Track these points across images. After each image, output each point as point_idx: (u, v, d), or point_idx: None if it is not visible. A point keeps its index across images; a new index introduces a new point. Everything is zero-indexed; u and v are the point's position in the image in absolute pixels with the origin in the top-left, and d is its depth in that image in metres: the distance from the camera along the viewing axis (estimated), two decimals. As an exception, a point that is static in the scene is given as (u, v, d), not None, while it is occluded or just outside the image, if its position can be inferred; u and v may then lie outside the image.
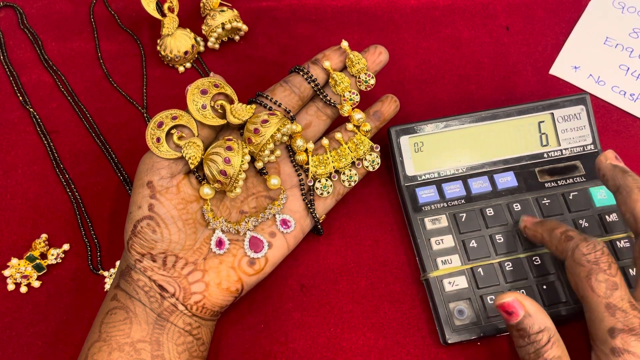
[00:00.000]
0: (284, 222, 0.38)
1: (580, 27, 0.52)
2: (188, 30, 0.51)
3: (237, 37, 0.52)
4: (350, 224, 0.44)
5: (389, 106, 0.42)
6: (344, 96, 0.41)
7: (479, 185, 0.42)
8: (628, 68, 0.50)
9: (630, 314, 0.31)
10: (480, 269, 0.39)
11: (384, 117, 0.42)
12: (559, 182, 0.42)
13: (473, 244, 0.40)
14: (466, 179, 0.42)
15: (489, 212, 0.41)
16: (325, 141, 0.40)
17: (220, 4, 0.51)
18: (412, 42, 0.52)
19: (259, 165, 0.39)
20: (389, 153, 0.44)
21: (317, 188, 0.40)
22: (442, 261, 0.40)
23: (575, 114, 0.44)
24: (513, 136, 0.43)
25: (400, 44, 0.52)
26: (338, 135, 0.41)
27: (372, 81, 0.42)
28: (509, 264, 0.39)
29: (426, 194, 0.42)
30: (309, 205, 0.40)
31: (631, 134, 0.47)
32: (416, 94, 0.49)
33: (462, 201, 0.42)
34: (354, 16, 0.53)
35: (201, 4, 0.51)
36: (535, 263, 0.40)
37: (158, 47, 0.50)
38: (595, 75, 0.50)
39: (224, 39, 0.52)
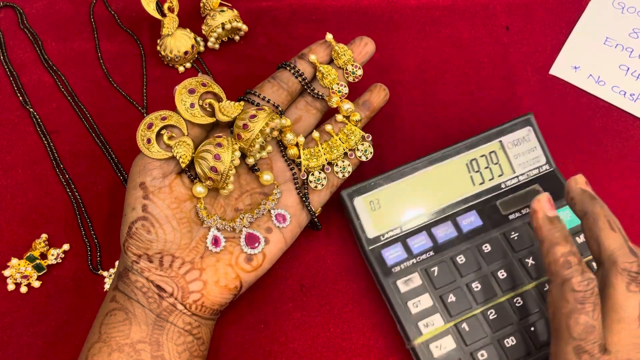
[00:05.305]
0: (280, 217, 0.38)
1: (580, 27, 0.52)
2: (188, 30, 0.51)
3: (237, 37, 0.52)
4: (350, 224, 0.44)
5: (377, 95, 0.42)
6: (332, 89, 0.41)
7: (444, 232, 0.40)
8: (628, 68, 0.50)
9: (595, 357, 0.30)
10: (464, 324, 0.37)
11: (374, 106, 0.42)
12: (522, 211, 0.41)
13: (451, 298, 0.38)
14: (430, 229, 0.40)
15: (460, 259, 0.39)
16: (315, 134, 0.40)
17: (220, 4, 0.51)
18: (412, 42, 0.52)
19: (251, 161, 0.39)
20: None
21: (310, 181, 0.40)
22: (424, 325, 0.37)
23: (523, 137, 0.42)
24: (467, 173, 0.41)
25: (400, 44, 0.52)
26: (328, 127, 0.41)
27: (360, 72, 0.42)
28: (491, 312, 0.38)
29: (393, 254, 0.39)
30: (303, 199, 0.40)
31: (631, 134, 0.47)
32: (416, 94, 0.49)
33: (431, 253, 0.40)
34: (354, 16, 0.53)
35: (201, 4, 0.51)
36: (517, 304, 0.38)
37: (158, 47, 0.50)
38: (595, 75, 0.50)
39: (224, 39, 0.52)
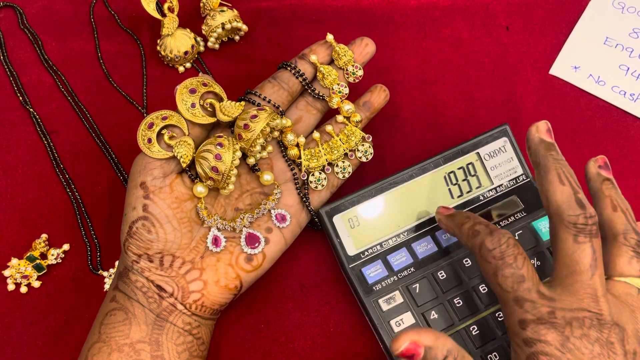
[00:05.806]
0: (280, 217, 0.39)
1: (580, 27, 0.52)
2: (188, 30, 0.51)
3: (237, 37, 0.52)
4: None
5: (378, 96, 0.42)
6: (332, 89, 0.41)
7: (424, 248, 0.40)
8: (628, 68, 0.50)
9: (539, 304, 0.30)
10: None
11: (374, 107, 0.42)
12: (501, 223, 0.41)
13: (434, 315, 0.38)
14: (410, 244, 0.40)
15: (441, 275, 0.39)
16: (316, 134, 0.41)
17: (220, 4, 0.51)
18: (412, 42, 0.52)
19: (251, 161, 0.39)
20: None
21: (311, 182, 0.40)
22: None
23: (500, 148, 0.42)
24: (445, 186, 0.41)
25: (400, 44, 0.52)
26: (329, 128, 0.41)
27: (360, 72, 0.42)
28: (474, 327, 0.37)
29: (374, 272, 0.39)
30: (303, 199, 0.40)
31: (631, 133, 0.47)
32: (416, 94, 0.49)
33: (412, 269, 0.39)
34: (354, 16, 0.53)
35: (201, 4, 0.51)
36: (499, 319, 0.38)
37: (158, 47, 0.50)
38: (595, 75, 0.50)
39: (224, 39, 0.52)
